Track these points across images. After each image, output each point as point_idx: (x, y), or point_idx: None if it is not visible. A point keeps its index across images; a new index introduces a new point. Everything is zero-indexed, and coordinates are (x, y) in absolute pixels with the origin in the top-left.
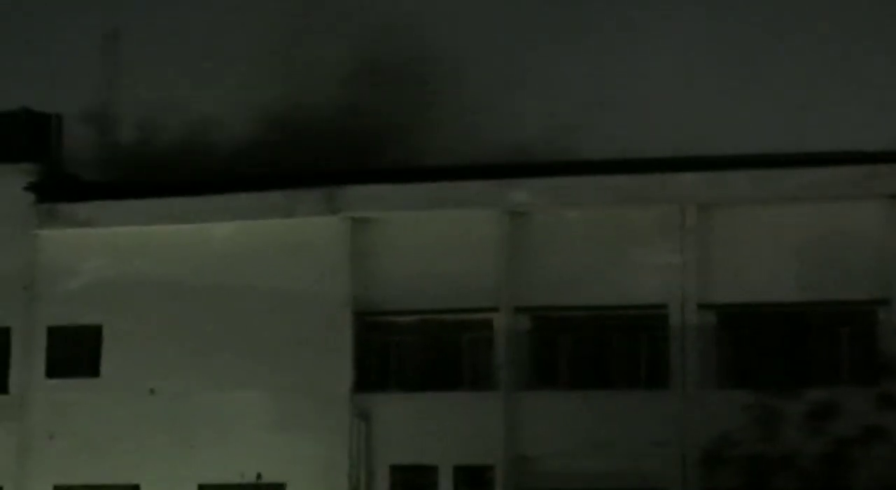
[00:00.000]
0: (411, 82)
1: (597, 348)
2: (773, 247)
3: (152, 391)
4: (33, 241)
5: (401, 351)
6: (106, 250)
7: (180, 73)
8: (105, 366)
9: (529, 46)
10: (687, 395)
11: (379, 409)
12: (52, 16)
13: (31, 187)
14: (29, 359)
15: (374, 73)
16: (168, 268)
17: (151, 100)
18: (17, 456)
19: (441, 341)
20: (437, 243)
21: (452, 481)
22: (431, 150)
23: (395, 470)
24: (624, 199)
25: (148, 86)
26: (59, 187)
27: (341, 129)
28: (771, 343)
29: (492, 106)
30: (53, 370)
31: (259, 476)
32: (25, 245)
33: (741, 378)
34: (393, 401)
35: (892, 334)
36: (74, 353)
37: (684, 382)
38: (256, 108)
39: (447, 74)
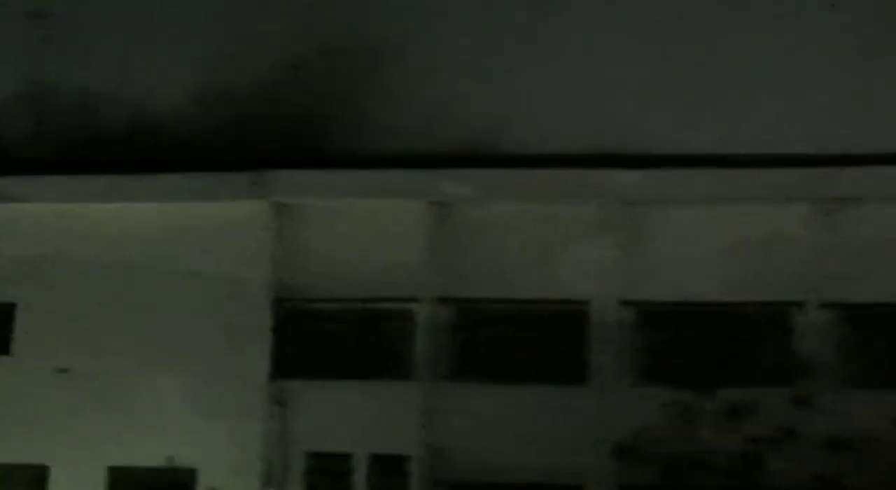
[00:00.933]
0: (348, 68)
1: (518, 342)
2: (697, 246)
3: (64, 371)
4: None
5: (322, 338)
6: (26, 227)
7: (110, 51)
8: (16, 344)
9: (474, 37)
10: (606, 391)
11: (296, 396)
12: None
13: None
14: None
15: (311, 57)
16: (88, 247)
17: (79, 78)
18: None
19: (363, 330)
20: (362, 232)
21: (368, 470)
22: (363, 138)
23: (311, 457)
24: (552, 194)
25: (76, 64)
26: None
27: (273, 114)
28: (691, 341)
29: (427, 95)
30: None
31: (171, 460)
32: None
33: (660, 375)
34: (311, 388)
35: (809, 337)
36: None
37: (604, 379)
38: (188, 87)
39: (387, 61)
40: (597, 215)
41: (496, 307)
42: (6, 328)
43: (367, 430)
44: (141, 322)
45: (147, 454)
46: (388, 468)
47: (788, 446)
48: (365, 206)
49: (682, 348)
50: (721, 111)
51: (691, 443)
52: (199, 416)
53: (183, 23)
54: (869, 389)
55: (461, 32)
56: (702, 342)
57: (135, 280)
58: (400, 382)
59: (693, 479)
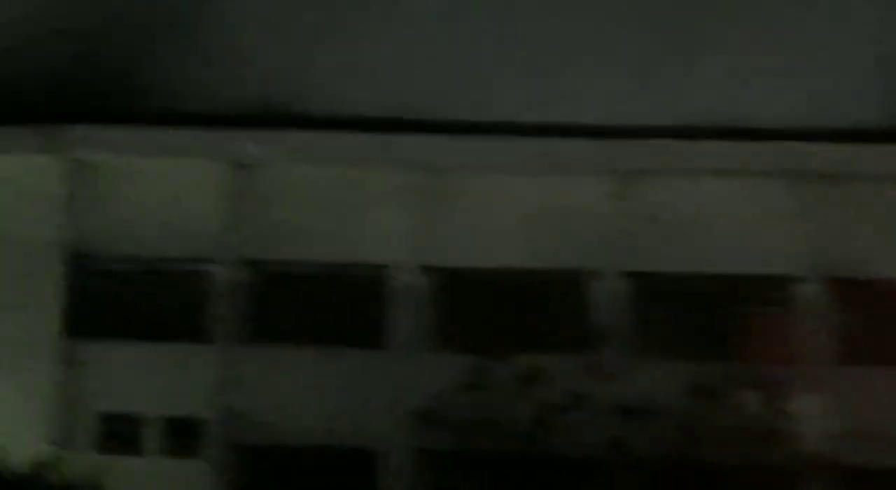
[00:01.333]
0: (153, 25)
1: (318, 306)
2: (497, 214)
3: None
4: None
5: (117, 299)
6: None
7: None
8: None
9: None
10: (404, 356)
11: (89, 358)
12: None
13: None
14: None
15: (114, 13)
16: None
17: None
18: None
19: (159, 291)
20: (161, 192)
21: (161, 432)
22: (165, 97)
23: (102, 418)
24: (354, 157)
25: None
26: None
27: (74, 69)
28: (488, 308)
29: (231, 54)
30: None
31: None
32: None
33: (458, 341)
34: (104, 349)
35: (605, 305)
36: None
37: (402, 343)
38: None
39: (193, 19)
40: (399, 180)
41: (296, 270)
42: None
43: (161, 392)
44: None
45: None
46: (182, 431)
47: (581, 413)
48: (164, 165)
49: (479, 315)
50: (526, 80)
51: (487, 408)
52: None
53: None
54: (661, 358)
55: None
56: (499, 309)
57: None
58: (196, 345)
59: (487, 445)
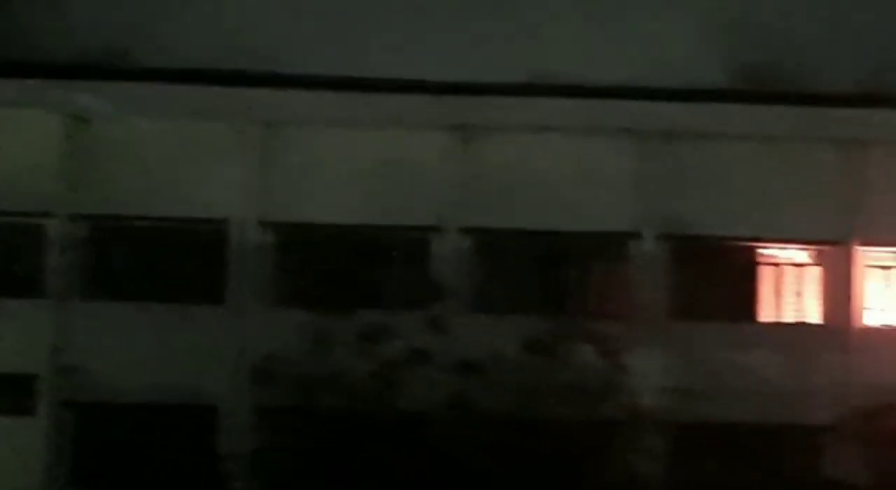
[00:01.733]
0: None
1: (156, 261)
2: (337, 169)
3: None
4: None
5: None
6: None
7: None
8: None
9: None
10: (243, 312)
11: None
12: None
13: None
14: None
15: None
16: None
17: None
18: None
19: None
20: None
21: None
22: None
23: None
24: (192, 111)
25: None
26: None
27: None
28: (329, 264)
29: (68, 4)
30: None
31: None
32: None
33: (298, 297)
34: None
35: (446, 262)
36: None
37: (240, 299)
38: None
39: None
40: (235, 134)
41: (132, 224)
42: None
43: None
44: None
45: None
46: (16, 387)
47: (422, 368)
48: None
49: (320, 270)
50: (360, 35)
51: (327, 365)
52: None
53: None
54: (501, 314)
55: None
56: (340, 265)
57: None
58: (31, 301)
59: (328, 401)
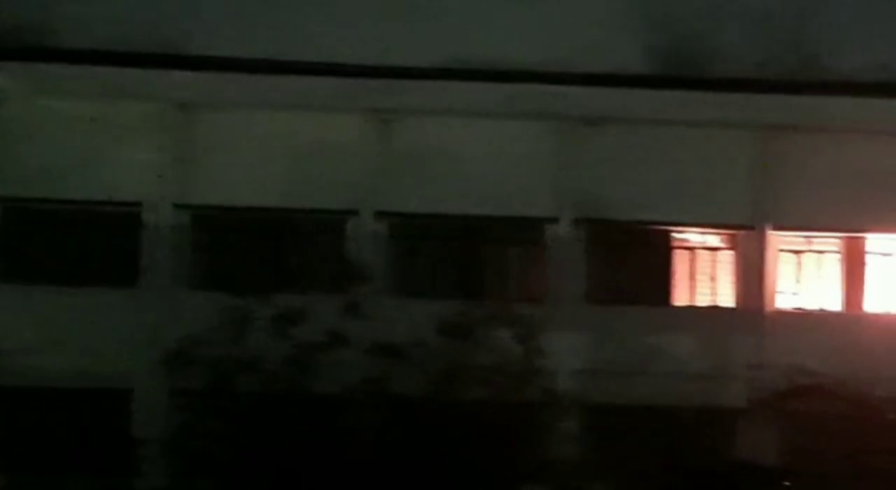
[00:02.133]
0: None
1: (70, 244)
2: (254, 152)
3: None
4: None
5: None
6: None
7: None
8: None
9: None
10: (158, 295)
11: None
12: None
13: None
14: None
15: None
16: None
17: None
18: None
19: None
20: None
21: None
22: None
23: None
24: (106, 92)
25: None
26: None
27: None
28: (247, 247)
29: None
30: None
31: None
32: None
33: (214, 280)
34: None
35: (362, 245)
36: None
37: (156, 283)
38: None
39: None
40: (150, 116)
41: (45, 207)
42: None
43: None
44: None
45: None
46: None
47: (338, 352)
48: None
49: (236, 254)
50: (278, 17)
51: (243, 348)
52: None
53: None
54: (417, 297)
55: None
56: (257, 248)
57: None
58: None
59: (244, 385)
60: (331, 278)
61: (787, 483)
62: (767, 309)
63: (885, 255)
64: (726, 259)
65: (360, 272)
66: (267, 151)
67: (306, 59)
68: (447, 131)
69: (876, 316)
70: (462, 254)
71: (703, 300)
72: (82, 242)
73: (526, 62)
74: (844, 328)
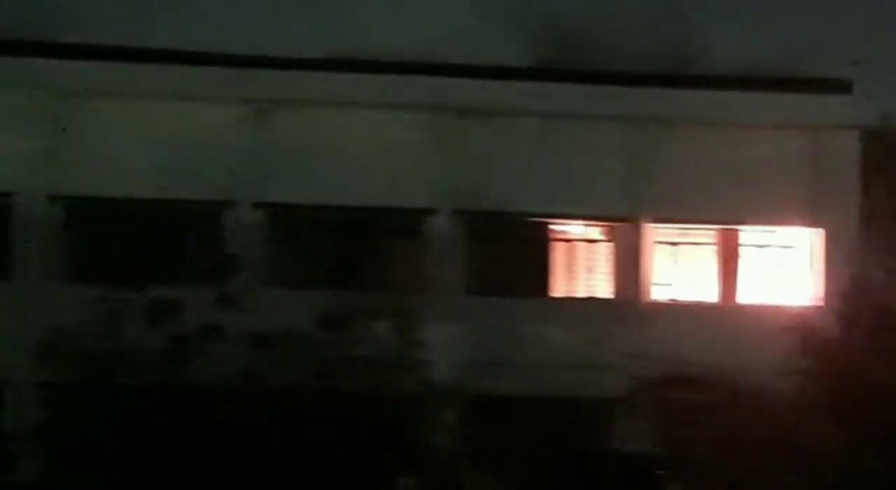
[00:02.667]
0: None
1: None
2: (130, 142)
3: None
4: None
5: None
6: None
7: None
8: None
9: None
10: (31, 287)
11: None
12: None
13: None
14: None
15: None
16: None
17: None
18: None
19: None
20: None
21: None
22: None
23: None
24: None
25: None
26: None
27: None
28: (120, 238)
29: None
30: None
31: None
32: None
33: (88, 272)
34: None
35: (240, 236)
36: None
37: (29, 274)
38: None
39: None
40: (23, 105)
41: None
42: None
43: None
44: None
45: None
46: None
47: (214, 344)
48: None
49: (111, 245)
50: (156, 5)
51: (117, 340)
52: None
53: None
54: (294, 289)
55: None
56: (132, 239)
57: None
58: None
59: (118, 377)
60: (207, 270)
61: (660, 471)
62: (644, 300)
63: (759, 247)
64: (604, 251)
65: (236, 263)
66: (142, 142)
67: (183, 48)
68: (326, 122)
69: (750, 307)
70: (341, 245)
71: (581, 291)
72: None
73: (404, 53)
74: (719, 319)
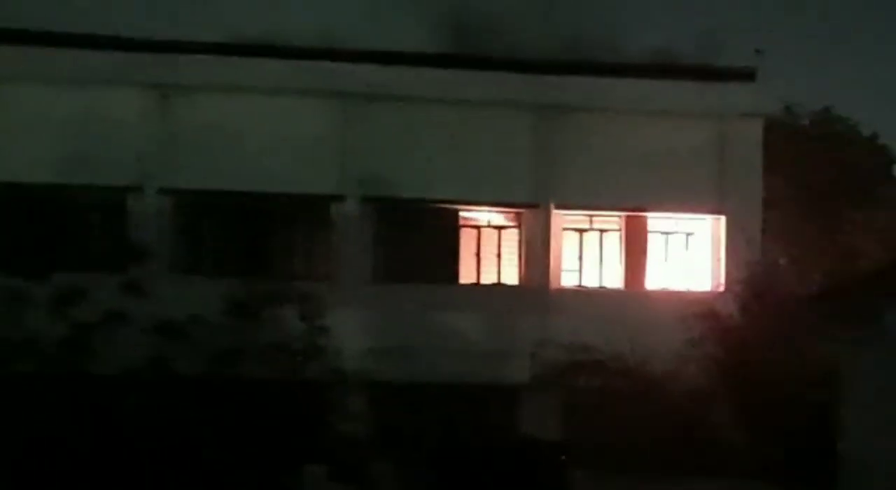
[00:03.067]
0: None
1: None
2: (30, 127)
3: None
4: None
5: None
6: None
7: None
8: None
9: None
10: None
11: None
12: None
13: None
14: None
15: None
16: None
17: None
18: None
19: None
20: None
21: None
22: None
23: None
24: None
25: None
26: None
27: None
28: (22, 224)
29: None
30: None
31: None
32: None
33: None
34: None
35: (145, 222)
36: None
37: None
38: None
39: None
40: None
41: None
42: None
43: None
44: None
45: None
46: None
47: (120, 331)
48: None
49: (12, 232)
50: None
51: (20, 329)
52: None
53: None
54: (201, 275)
55: None
56: (35, 226)
57: None
58: None
59: (21, 366)
60: (112, 257)
61: (564, 456)
62: (551, 287)
63: (665, 233)
64: (512, 237)
65: (142, 250)
66: (41, 127)
67: (83, 32)
68: (230, 107)
69: (655, 293)
70: (247, 231)
71: (488, 278)
72: None
73: (309, 39)
74: (625, 305)
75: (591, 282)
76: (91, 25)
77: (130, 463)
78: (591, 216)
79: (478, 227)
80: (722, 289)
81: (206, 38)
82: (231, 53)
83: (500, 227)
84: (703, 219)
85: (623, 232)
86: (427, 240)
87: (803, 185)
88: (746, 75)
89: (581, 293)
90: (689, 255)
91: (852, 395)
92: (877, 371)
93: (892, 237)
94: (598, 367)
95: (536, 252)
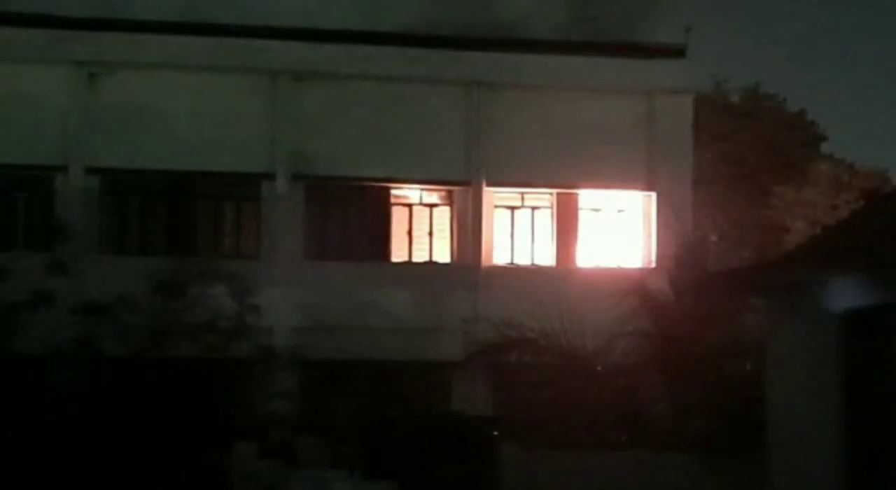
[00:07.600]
0: None
1: None
2: None
3: None
4: None
5: None
6: None
7: None
8: None
9: None
10: None
11: None
12: None
13: None
14: None
15: None
16: None
17: None
18: None
19: None
20: None
21: None
22: None
23: None
24: None
25: None
26: None
27: None
28: None
29: None
30: None
31: None
32: None
33: None
34: None
35: (71, 202)
36: None
37: None
38: None
39: None
40: None
41: None
42: None
43: None
44: None
45: None
46: None
47: (44, 311)
48: None
49: None
50: None
51: None
52: None
53: None
54: (128, 255)
55: None
56: None
57: None
58: None
59: None
60: (36, 236)
61: (495, 432)
62: (483, 264)
63: (595, 210)
64: (443, 215)
65: (67, 229)
66: None
67: (5, 9)
68: (155, 85)
69: (586, 270)
70: (176, 210)
71: (420, 256)
72: None
73: (236, 17)
74: (556, 282)
75: (522, 259)
76: (14, 2)
77: (56, 442)
78: (522, 193)
79: (409, 205)
80: (653, 265)
81: (133, 14)
82: (157, 31)
83: (431, 205)
84: (634, 195)
85: (554, 209)
86: (358, 218)
87: (733, 161)
88: (676, 52)
89: (513, 270)
90: (619, 231)
91: (781, 366)
92: (804, 341)
93: (819, 212)
94: (530, 344)
95: (468, 230)
